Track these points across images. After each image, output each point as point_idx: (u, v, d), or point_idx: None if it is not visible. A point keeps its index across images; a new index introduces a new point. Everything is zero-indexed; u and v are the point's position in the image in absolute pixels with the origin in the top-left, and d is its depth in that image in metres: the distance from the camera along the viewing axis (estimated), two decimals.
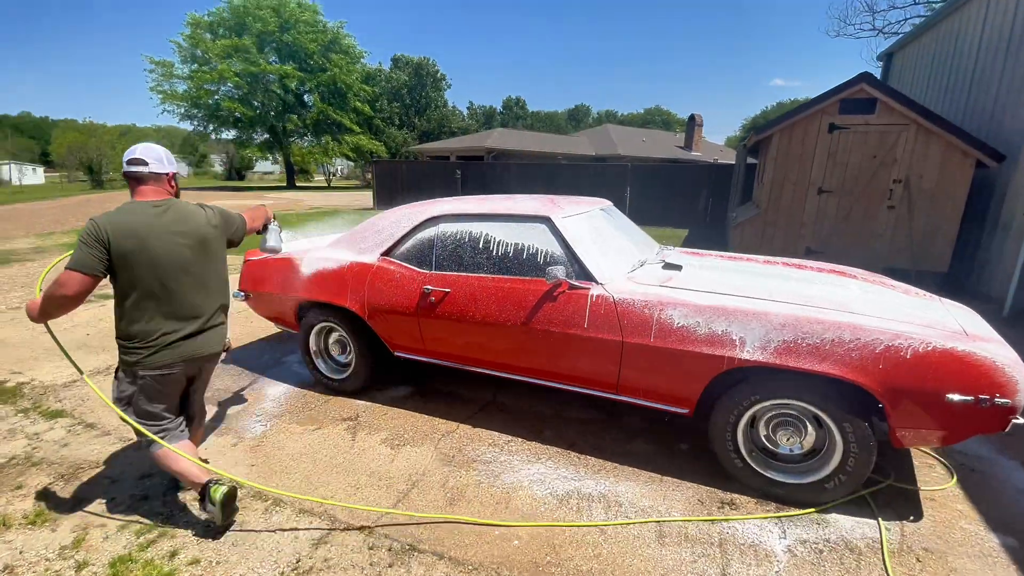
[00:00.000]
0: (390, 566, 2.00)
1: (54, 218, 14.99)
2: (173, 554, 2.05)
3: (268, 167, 52.00)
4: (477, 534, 2.16)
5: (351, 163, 42.95)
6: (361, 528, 2.19)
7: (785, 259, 3.48)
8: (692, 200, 13.59)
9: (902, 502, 2.37)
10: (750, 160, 10.80)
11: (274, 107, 33.91)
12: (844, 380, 2.12)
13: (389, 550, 2.07)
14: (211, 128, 34.91)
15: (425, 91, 53.37)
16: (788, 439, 2.33)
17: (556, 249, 2.77)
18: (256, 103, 33.42)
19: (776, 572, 1.97)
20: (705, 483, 2.49)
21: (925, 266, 6.42)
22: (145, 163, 2.05)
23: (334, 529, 2.19)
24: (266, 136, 35.63)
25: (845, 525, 2.21)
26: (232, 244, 2.37)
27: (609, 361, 2.56)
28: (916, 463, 2.72)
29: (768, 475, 2.36)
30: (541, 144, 28.70)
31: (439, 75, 54.76)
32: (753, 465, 2.38)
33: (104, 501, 2.37)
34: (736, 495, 2.41)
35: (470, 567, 1.99)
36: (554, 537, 2.14)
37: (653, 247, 3.48)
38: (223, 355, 2.29)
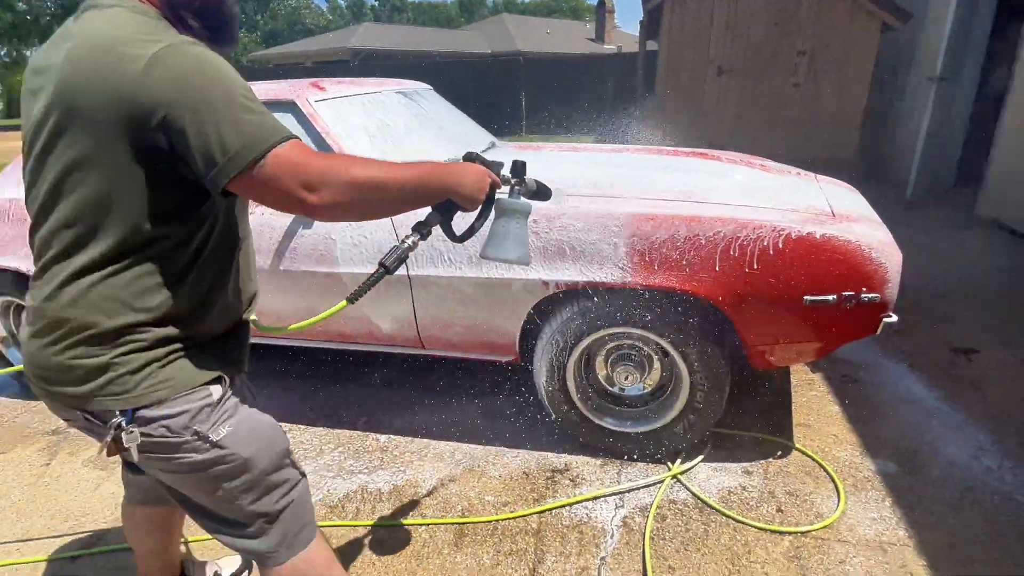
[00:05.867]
0: None
1: None
2: None
3: None
4: None
5: None
6: None
7: (661, 148, 2.84)
8: (600, 101, 11.48)
9: (772, 434, 1.94)
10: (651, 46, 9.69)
11: None
12: (678, 293, 1.58)
13: None
14: None
15: None
16: (627, 377, 1.79)
17: None
18: None
19: (601, 559, 1.45)
20: (537, 448, 1.94)
21: (836, 152, 5.77)
22: None
23: None
24: None
25: (700, 477, 1.74)
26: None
27: (398, 306, 1.89)
28: (794, 381, 2.32)
29: (608, 425, 1.82)
30: (423, 41, 22.73)
31: None
32: (589, 416, 1.83)
33: None
34: (572, 457, 1.87)
35: None
36: None
37: (480, 143, 2.74)
38: None
